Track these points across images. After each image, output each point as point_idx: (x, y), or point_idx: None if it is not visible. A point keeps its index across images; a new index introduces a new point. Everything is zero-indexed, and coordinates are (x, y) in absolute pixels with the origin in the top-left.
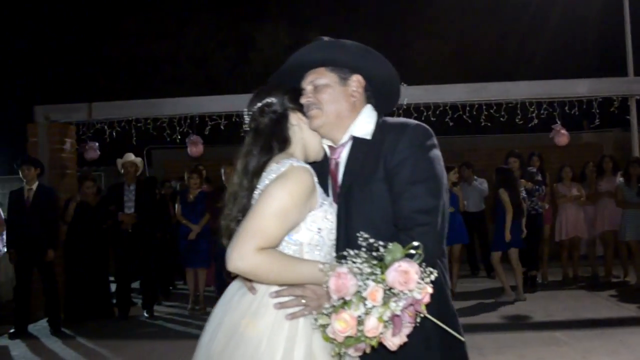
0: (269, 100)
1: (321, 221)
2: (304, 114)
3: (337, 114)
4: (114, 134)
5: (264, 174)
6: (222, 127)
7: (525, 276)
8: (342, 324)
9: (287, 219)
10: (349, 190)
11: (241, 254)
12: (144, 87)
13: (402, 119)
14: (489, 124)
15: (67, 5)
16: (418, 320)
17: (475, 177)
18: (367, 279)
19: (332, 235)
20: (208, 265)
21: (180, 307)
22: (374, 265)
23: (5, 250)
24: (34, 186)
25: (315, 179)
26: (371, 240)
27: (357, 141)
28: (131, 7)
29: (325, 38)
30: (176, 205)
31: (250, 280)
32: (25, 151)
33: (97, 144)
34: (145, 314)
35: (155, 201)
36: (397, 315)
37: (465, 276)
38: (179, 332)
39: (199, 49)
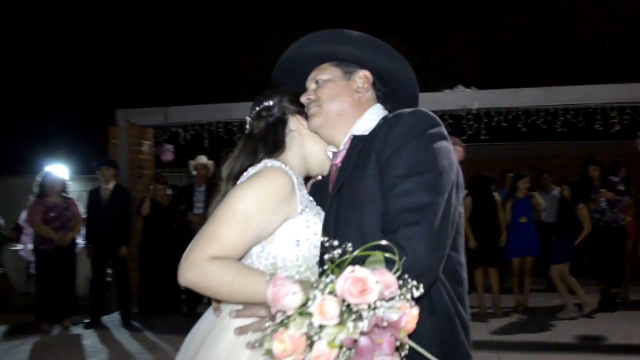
0: (266, 103)
1: (300, 231)
2: (306, 117)
3: (339, 112)
4: (188, 137)
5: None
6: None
7: (604, 294)
8: (280, 347)
9: (250, 224)
10: (338, 193)
11: (191, 263)
12: (224, 92)
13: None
14: (564, 130)
15: (144, 16)
16: (403, 354)
17: (554, 186)
18: (316, 287)
19: (315, 250)
20: None
21: None
22: (327, 271)
23: (84, 245)
24: (111, 186)
25: (296, 183)
26: (349, 248)
27: (354, 139)
28: (209, 14)
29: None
30: None
31: (218, 301)
32: (105, 152)
33: (172, 146)
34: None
35: None
36: (362, 341)
37: (539, 290)
38: None
39: (277, 55)
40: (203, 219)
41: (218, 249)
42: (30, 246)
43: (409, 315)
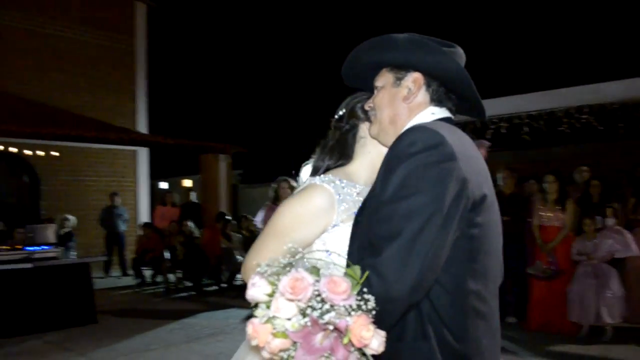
0: (340, 113)
1: (332, 243)
2: None
3: (391, 120)
4: None
5: None
6: (502, 130)
7: None
8: (249, 330)
9: (288, 238)
10: (359, 211)
11: (244, 269)
12: None
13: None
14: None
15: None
16: None
17: None
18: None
19: (343, 260)
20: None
21: None
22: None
23: None
24: None
25: (338, 199)
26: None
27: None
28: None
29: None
30: None
31: None
32: None
33: None
34: None
35: None
36: (302, 340)
37: None
38: None
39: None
40: None
41: (262, 259)
42: None
43: (351, 323)
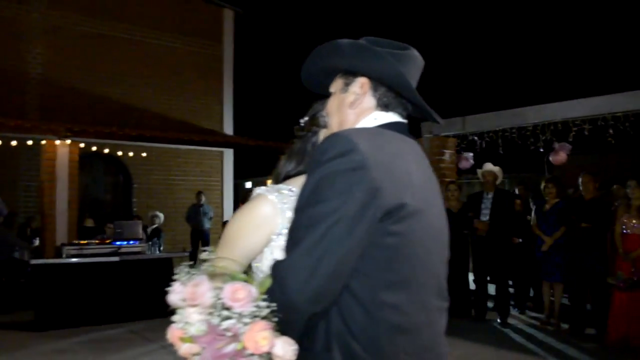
0: (301, 121)
1: (278, 251)
2: None
3: (339, 126)
4: (484, 144)
5: None
6: (586, 132)
7: None
8: (168, 335)
9: (236, 246)
10: None
11: None
12: (513, 96)
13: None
14: None
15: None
16: None
17: None
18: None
19: None
20: (563, 279)
21: (536, 318)
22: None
23: None
24: None
25: (282, 207)
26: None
27: None
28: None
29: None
30: (532, 215)
31: None
32: None
33: (471, 154)
34: (498, 320)
35: (511, 211)
36: (207, 345)
37: None
38: (518, 343)
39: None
40: (487, 225)
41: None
42: None
43: (245, 329)
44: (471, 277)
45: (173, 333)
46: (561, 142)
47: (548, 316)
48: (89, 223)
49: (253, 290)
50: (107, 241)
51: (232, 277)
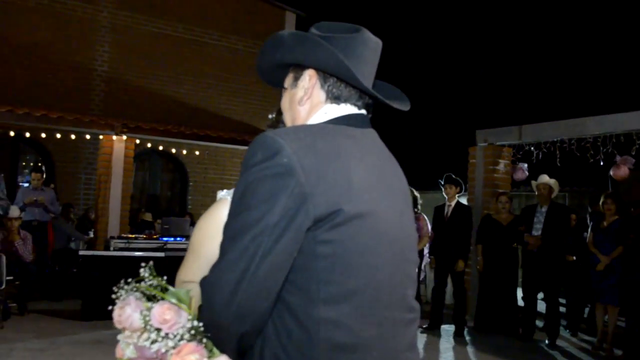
0: (270, 116)
1: None
2: None
3: (292, 124)
4: (541, 155)
5: None
6: None
7: None
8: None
9: (200, 252)
10: None
11: (175, 284)
12: (573, 105)
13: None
14: None
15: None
16: None
17: None
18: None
19: None
20: (618, 302)
21: (587, 342)
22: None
23: (428, 256)
24: (453, 203)
25: None
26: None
27: None
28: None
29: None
30: (588, 231)
31: None
32: (464, 171)
33: (526, 165)
34: (546, 341)
35: (566, 226)
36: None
37: None
38: None
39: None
40: (539, 240)
41: (184, 274)
42: None
43: (171, 353)
44: (520, 293)
45: (117, 349)
46: (623, 155)
47: (600, 341)
48: (147, 217)
49: (183, 311)
50: (155, 236)
51: (164, 298)
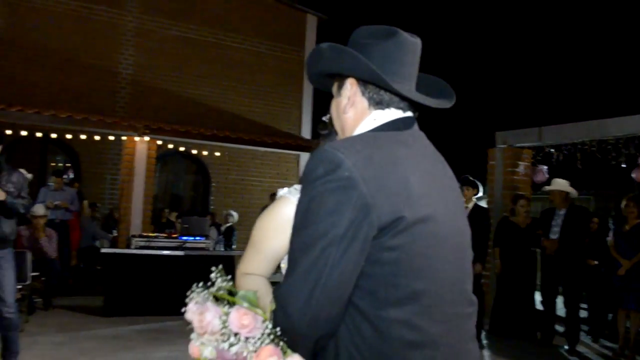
0: (324, 119)
1: None
2: None
3: (342, 131)
4: (561, 156)
5: None
6: None
7: None
8: (189, 349)
9: (261, 247)
10: None
11: (236, 275)
12: (594, 106)
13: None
14: None
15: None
16: None
17: None
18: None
19: None
20: None
21: (608, 348)
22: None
23: None
24: (470, 205)
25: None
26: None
27: None
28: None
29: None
30: (610, 235)
31: None
32: (483, 173)
33: (546, 167)
34: (566, 346)
35: (585, 230)
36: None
37: None
38: None
39: None
40: (556, 244)
41: (245, 267)
42: None
43: (252, 355)
44: (538, 296)
45: (192, 349)
46: None
47: (622, 347)
48: (173, 217)
49: (259, 316)
50: (174, 235)
51: (235, 302)
